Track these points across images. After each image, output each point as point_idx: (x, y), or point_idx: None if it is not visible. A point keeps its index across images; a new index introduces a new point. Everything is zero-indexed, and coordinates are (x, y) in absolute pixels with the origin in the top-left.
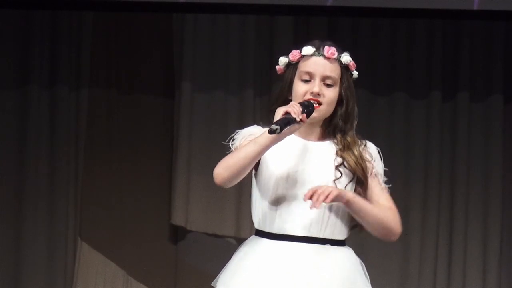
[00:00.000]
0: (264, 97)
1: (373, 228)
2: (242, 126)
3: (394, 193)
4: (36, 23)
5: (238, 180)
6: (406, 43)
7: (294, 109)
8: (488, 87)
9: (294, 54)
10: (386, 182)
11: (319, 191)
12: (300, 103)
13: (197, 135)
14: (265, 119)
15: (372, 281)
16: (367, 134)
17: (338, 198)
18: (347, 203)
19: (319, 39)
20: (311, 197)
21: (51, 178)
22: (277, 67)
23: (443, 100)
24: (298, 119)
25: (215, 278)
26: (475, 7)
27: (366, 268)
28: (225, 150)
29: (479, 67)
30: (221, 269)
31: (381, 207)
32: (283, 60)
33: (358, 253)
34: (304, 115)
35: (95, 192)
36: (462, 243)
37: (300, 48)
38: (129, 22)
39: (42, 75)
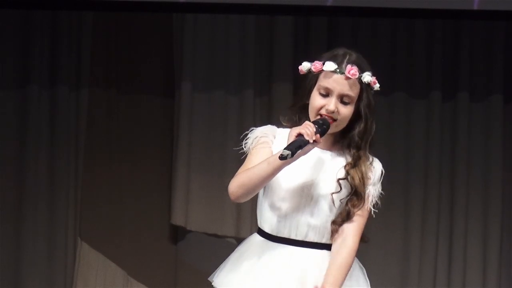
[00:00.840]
0: (264, 97)
1: None
2: (242, 126)
3: (395, 194)
4: (36, 23)
5: (251, 197)
6: (406, 43)
7: (307, 130)
8: (488, 87)
9: (316, 66)
10: (378, 206)
11: None
12: (314, 122)
13: (197, 135)
14: (265, 120)
15: (372, 281)
16: None
17: None
18: None
19: (343, 51)
20: None
21: (51, 178)
22: (299, 67)
23: (443, 100)
24: (311, 141)
25: (213, 273)
26: (475, 7)
27: (366, 268)
28: (225, 150)
29: (479, 67)
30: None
31: (345, 261)
32: (306, 66)
33: (358, 253)
34: (318, 135)
35: (95, 192)
36: (462, 243)
37: (323, 59)
38: (129, 22)
39: (42, 75)
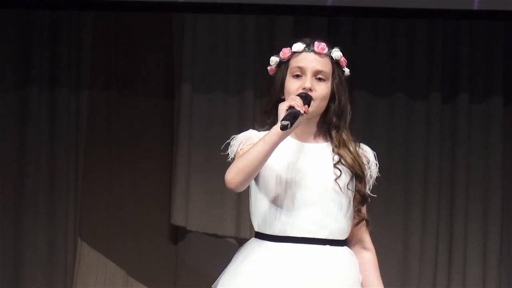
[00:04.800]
0: (264, 98)
1: None
2: (242, 127)
3: (394, 193)
4: (36, 23)
5: (250, 183)
6: (406, 43)
7: (296, 102)
8: (488, 88)
9: (285, 52)
10: (378, 188)
11: None
12: (297, 95)
13: (197, 135)
14: (262, 113)
15: None
16: (367, 135)
17: None
18: None
19: (309, 37)
20: None
21: (51, 178)
22: (268, 67)
23: (443, 101)
24: (302, 112)
25: (215, 280)
26: (475, 7)
27: None
28: (224, 151)
29: (479, 68)
30: (221, 270)
31: (376, 264)
32: (274, 60)
33: None
34: (306, 106)
35: (95, 192)
36: (462, 243)
37: (290, 46)
38: (129, 22)
39: (42, 76)
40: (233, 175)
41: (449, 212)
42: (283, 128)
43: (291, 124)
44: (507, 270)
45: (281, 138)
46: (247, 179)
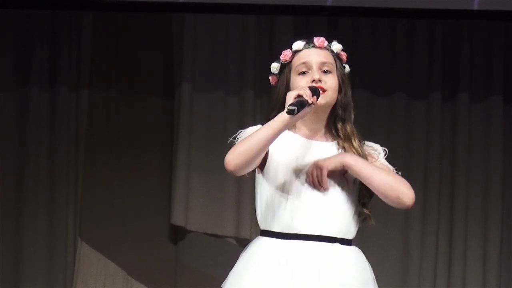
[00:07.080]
0: (264, 98)
1: (383, 191)
2: (242, 127)
3: None
4: (36, 23)
5: (250, 169)
6: (406, 43)
7: (305, 91)
8: (488, 88)
9: (286, 54)
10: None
11: (313, 177)
12: (308, 87)
13: (197, 135)
14: (265, 120)
15: None
16: (367, 134)
17: (334, 169)
18: (348, 168)
19: (307, 37)
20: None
21: (51, 178)
22: (270, 77)
23: (443, 101)
24: (310, 101)
25: (216, 280)
26: (475, 7)
27: None
28: (225, 150)
29: (479, 67)
30: (221, 270)
31: (388, 171)
32: (275, 66)
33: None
34: (315, 97)
35: (95, 192)
36: (462, 243)
37: (289, 47)
38: (129, 22)
39: (42, 75)
40: (233, 157)
41: (449, 212)
42: (289, 112)
43: (298, 111)
44: (507, 270)
45: (285, 126)
46: (247, 162)
